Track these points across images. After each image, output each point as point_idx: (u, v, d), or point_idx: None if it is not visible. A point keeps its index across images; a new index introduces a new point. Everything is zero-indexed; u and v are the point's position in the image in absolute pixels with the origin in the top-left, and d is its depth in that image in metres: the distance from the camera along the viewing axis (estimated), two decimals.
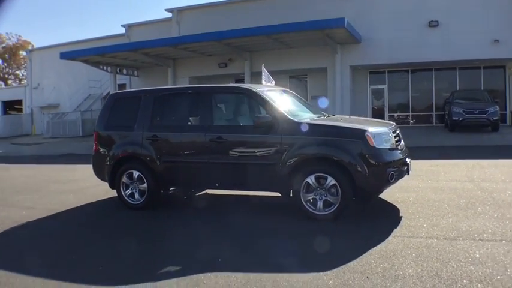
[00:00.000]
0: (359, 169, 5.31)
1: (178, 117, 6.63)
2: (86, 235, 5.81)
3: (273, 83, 8.26)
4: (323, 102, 18.75)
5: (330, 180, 5.43)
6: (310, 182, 5.53)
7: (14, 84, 55.58)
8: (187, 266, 4.29)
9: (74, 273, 4.29)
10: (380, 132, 5.55)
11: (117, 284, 3.98)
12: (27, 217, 6.67)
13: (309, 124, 5.73)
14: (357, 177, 5.33)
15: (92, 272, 4.30)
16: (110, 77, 26.99)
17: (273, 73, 23.48)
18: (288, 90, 7.35)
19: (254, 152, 5.92)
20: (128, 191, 6.80)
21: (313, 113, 6.80)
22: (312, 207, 5.56)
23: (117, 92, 7.55)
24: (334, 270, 3.97)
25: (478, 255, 4.09)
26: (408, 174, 5.88)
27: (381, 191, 5.71)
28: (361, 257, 4.25)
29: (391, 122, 6.56)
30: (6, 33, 68.65)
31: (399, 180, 5.66)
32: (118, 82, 29.35)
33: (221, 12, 23.96)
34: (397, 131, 6.14)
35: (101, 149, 7.08)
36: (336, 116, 7.25)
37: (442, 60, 20.08)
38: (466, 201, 6.11)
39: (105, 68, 26.21)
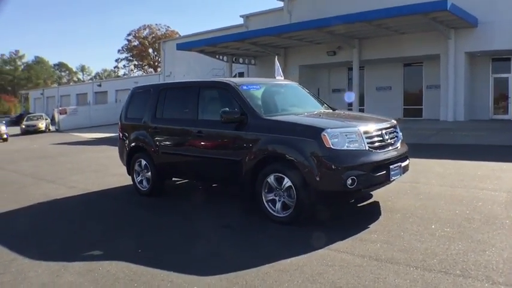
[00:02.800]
0: (311, 171, 4.85)
1: (173, 111, 6.79)
2: (81, 213, 6.45)
3: (282, 77, 7.80)
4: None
5: (287, 181, 5.09)
6: (270, 182, 5.25)
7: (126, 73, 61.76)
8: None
9: None
10: (343, 132, 4.94)
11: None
12: (62, 194, 7.70)
13: (271, 121, 5.40)
14: (309, 179, 4.87)
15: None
16: (225, 66, 28.45)
17: (384, 61, 22.35)
18: (297, 84, 6.99)
19: (226, 147, 5.81)
20: (139, 178, 7.30)
21: (314, 109, 6.38)
22: (272, 208, 5.28)
23: (137, 86, 8.03)
24: (222, 275, 3.84)
25: None
26: (390, 180, 5.15)
27: (342, 198, 5.15)
28: (258, 267, 3.95)
29: (389, 120, 5.76)
30: (156, 24, 77.15)
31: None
32: (238, 71, 30.90)
33: (329, 1, 23.23)
34: (390, 130, 5.42)
35: (122, 137, 7.69)
36: (338, 111, 6.59)
37: None
38: (470, 217, 5.09)
39: (220, 57, 27.66)
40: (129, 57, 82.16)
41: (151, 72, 64.80)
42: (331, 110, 6.53)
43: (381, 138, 5.22)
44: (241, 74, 31.11)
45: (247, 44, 23.72)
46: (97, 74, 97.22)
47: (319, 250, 4.30)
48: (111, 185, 8.34)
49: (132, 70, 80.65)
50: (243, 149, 5.49)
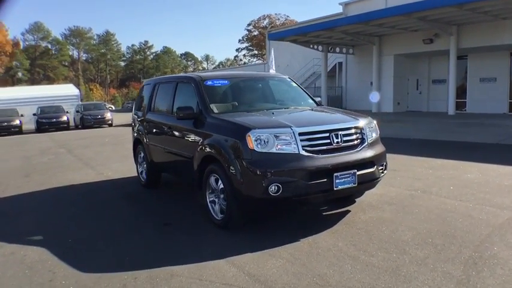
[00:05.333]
0: (235, 174, 4.45)
1: (159, 105, 6.72)
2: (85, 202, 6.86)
3: (273, 70, 7.23)
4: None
5: (220, 184, 4.77)
6: (211, 182, 4.98)
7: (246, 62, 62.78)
8: None
9: None
10: (273, 132, 4.39)
11: None
12: (82, 180, 8.30)
13: (217, 119, 5.04)
14: (235, 183, 4.48)
15: None
16: (321, 55, 27.69)
17: (488, 49, 19.51)
18: (287, 78, 6.47)
19: (185, 143, 5.62)
20: (140, 169, 7.52)
21: (294, 105, 5.87)
22: (213, 209, 5.00)
23: (148, 79, 8.21)
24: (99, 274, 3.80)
25: None
26: (333, 189, 4.45)
27: (266, 206, 4.65)
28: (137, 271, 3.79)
29: (356, 119, 4.97)
30: (276, 13, 78.22)
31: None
32: (338, 60, 29.90)
33: None
34: (347, 132, 4.72)
35: (132, 129, 7.98)
36: (327, 108, 5.91)
37: None
38: (427, 242, 4.20)
39: (315, 47, 26.98)
40: (249, 47, 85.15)
41: None
42: (314, 107, 5.90)
43: (327, 141, 4.55)
44: (340, 64, 30.10)
45: (338, 33, 22.73)
46: (220, 63, 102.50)
47: (215, 261, 3.95)
48: (132, 174, 8.66)
49: (250, 60, 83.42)
50: (195, 146, 5.27)
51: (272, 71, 7.49)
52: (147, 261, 4.02)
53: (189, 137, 5.49)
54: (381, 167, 4.97)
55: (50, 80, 73.23)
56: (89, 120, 25.26)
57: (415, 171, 7.69)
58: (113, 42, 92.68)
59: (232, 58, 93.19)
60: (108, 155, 12.14)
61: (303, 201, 4.66)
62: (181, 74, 6.99)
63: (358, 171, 4.61)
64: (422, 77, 23.84)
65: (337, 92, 29.99)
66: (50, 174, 9.24)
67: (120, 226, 5.27)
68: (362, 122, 4.94)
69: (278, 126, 4.52)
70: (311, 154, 4.42)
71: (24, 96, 28.78)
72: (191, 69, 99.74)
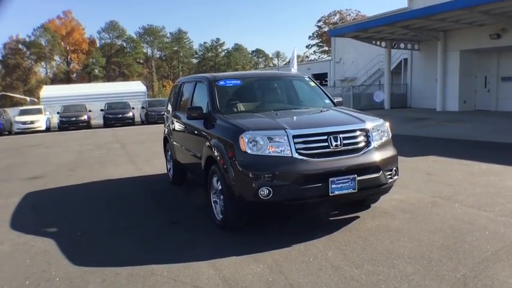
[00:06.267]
0: (229, 176, 4.42)
1: (182, 104, 6.86)
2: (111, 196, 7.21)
3: (294, 69, 7.00)
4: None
5: (219, 185, 4.76)
6: (213, 183, 4.99)
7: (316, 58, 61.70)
8: None
9: None
10: (267, 134, 4.28)
11: None
12: (128, 174, 8.73)
13: (222, 120, 5.01)
14: (229, 185, 4.45)
15: None
16: (385, 52, 26.66)
17: None
18: (306, 78, 6.27)
19: (196, 142, 5.67)
20: (169, 166, 7.72)
21: (310, 106, 5.72)
22: (215, 209, 5.01)
23: (179, 78, 8.36)
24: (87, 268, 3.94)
25: None
26: (329, 195, 4.26)
27: (262, 209, 4.52)
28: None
29: (362, 121, 4.71)
30: (347, 9, 76.60)
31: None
32: (403, 57, 28.65)
33: None
34: (349, 135, 4.49)
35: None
36: (342, 109, 5.63)
37: None
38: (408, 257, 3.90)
39: (378, 43, 26.03)
40: (319, 43, 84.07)
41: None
42: (329, 108, 5.67)
43: (324, 144, 4.36)
44: (405, 61, 28.78)
45: (399, 28, 21.72)
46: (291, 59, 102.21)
47: (198, 262, 3.94)
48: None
49: (320, 56, 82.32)
50: (203, 146, 5.30)
51: (293, 70, 7.31)
52: (136, 259, 4.12)
53: (199, 137, 5.53)
54: (389, 173, 4.67)
55: (124, 77, 77.16)
56: (152, 116, 26.23)
57: (452, 176, 7.16)
58: (185, 40, 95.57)
59: (303, 54, 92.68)
60: (156, 150, 12.45)
61: (298, 206, 4.49)
62: (200, 74, 7.03)
63: (359, 176, 4.38)
64: (490, 74, 22.08)
65: (403, 89, 28.71)
66: (94, 168, 9.75)
67: (130, 222, 5.44)
68: (369, 125, 4.68)
69: (272, 128, 4.42)
70: (305, 157, 4.27)
71: (94, 93, 30.72)
72: (262, 65, 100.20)
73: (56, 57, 75.06)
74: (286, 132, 4.31)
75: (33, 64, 72.02)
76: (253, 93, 5.93)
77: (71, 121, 25.27)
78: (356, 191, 4.39)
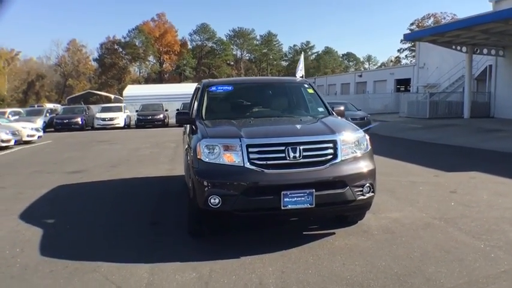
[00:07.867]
0: (190, 182, 4.48)
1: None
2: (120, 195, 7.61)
3: (299, 75, 6.76)
4: None
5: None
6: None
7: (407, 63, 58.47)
8: None
9: None
10: (222, 143, 4.24)
11: None
12: (157, 173, 9.14)
13: (198, 124, 5.03)
14: (189, 191, 4.51)
15: None
16: (466, 57, 24.78)
17: None
18: (306, 84, 6.07)
19: (186, 147, 5.79)
20: None
21: (301, 114, 5.58)
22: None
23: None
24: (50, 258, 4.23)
25: None
26: (281, 208, 4.12)
27: (210, 218, 4.44)
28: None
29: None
30: (442, 12, 72.27)
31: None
32: (488, 63, 26.47)
33: None
34: (311, 146, 4.31)
35: None
36: (327, 119, 5.33)
37: None
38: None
39: (458, 47, 24.29)
40: (411, 47, 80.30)
41: None
42: (317, 117, 5.45)
43: (281, 155, 4.21)
44: (490, 67, 26.51)
45: (477, 33, 20.08)
46: (382, 63, 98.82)
47: (141, 264, 4.06)
48: None
49: (411, 61, 78.60)
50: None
51: (298, 74, 7.12)
52: (94, 254, 4.32)
53: (187, 141, 5.64)
54: (359, 189, 4.37)
55: (214, 78, 79.96)
56: None
57: (476, 195, 6.53)
58: (274, 43, 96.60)
59: (394, 58, 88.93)
60: None
61: (250, 217, 4.38)
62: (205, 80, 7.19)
63: (317, 191, 4.17)
64: None
65: (486, 98, 26.45)
66: (133, 166, 10.29)
67: (115, 221, 5.69)
68: (339, 136, 4.42)
69: (228, 137, 4.38)
70: (258, 168, 4.17)
71: (174, 93, 32.35)
72: (352, 69, 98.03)
73: (150, 58, 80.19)
74: (240, 141, 4.25)
75: (128, 64, 77.62)
76: (242, 100, 5.91)
77: (147, 119, 26.77)
78: (313, 206, 4.18)
